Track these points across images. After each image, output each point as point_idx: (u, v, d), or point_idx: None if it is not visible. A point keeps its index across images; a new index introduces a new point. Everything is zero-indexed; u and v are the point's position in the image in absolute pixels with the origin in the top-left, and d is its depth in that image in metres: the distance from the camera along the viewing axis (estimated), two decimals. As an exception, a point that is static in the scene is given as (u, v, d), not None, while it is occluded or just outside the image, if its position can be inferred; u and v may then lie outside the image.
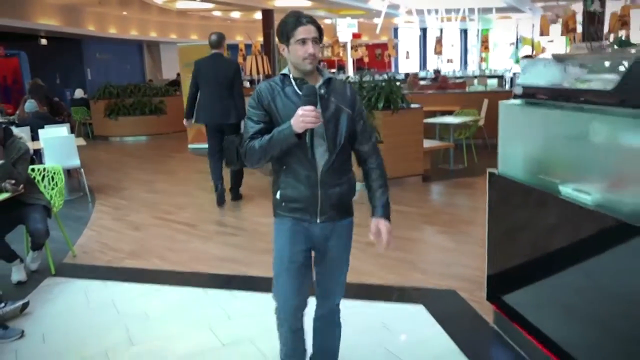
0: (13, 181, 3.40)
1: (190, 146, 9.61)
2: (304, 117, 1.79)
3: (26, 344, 2.84)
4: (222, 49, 5.44)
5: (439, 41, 16.43)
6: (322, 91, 1.93)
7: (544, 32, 13.51)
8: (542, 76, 2.49)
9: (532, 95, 2.49)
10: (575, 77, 2.28)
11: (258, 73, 10.89)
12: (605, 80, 2.02)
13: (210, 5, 15.46)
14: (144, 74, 19.77)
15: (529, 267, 2.50)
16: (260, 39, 15.25)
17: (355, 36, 20.72)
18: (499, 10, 19.39)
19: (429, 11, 20.15)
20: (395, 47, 18.99)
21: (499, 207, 2.72)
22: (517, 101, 2.61)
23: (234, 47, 14.84)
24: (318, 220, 1.99)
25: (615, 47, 2.79)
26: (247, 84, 12.99)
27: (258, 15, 15.16)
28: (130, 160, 8.96)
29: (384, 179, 2.07)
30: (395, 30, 25.92)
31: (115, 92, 11.32)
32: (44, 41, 15.27)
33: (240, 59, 12.93)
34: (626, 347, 1.94)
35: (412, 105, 6.22)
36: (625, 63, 1.93)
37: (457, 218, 4.98)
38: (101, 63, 17.42)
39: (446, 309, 3.07)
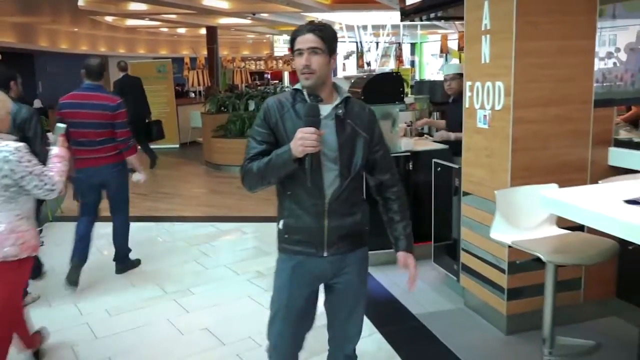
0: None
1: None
2: (302, 141, 1.62)
3: (47, 247, 4.72)
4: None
5: (361, 56, 19.07)
6: (340, 111, 1.76)
7: (443, 50, 16.28)
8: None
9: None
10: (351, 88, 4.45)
11: (199, 85, 12.82)
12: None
13: (158, 23, 17.11)
14: (93, 86, 20.96)
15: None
16: (205, 52, 17.02)
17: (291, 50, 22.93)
18: (423, 27, 22.12)
19: (358, 27, 22.74)
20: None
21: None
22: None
23: (179, 60, 16.60)
24: (325, 254, 1.79)
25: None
26: (192, 95, 14.86)
27: (203, 31, 16.84)
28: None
29: (405, 210, 1.90)
30: (334, 44, 28.40)
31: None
32: (-4, 56, 16.43)
33: (185, 72, 14.78)
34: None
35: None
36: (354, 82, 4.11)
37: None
38: (52, 76, 18.64)
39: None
